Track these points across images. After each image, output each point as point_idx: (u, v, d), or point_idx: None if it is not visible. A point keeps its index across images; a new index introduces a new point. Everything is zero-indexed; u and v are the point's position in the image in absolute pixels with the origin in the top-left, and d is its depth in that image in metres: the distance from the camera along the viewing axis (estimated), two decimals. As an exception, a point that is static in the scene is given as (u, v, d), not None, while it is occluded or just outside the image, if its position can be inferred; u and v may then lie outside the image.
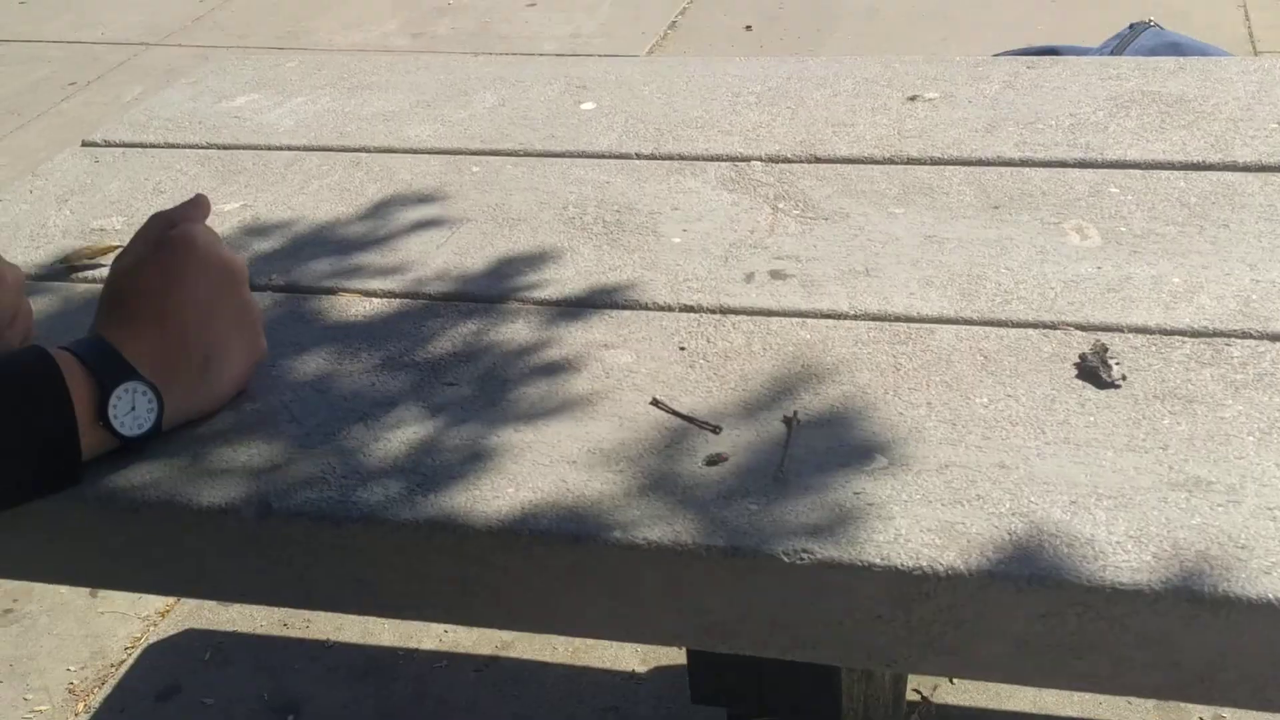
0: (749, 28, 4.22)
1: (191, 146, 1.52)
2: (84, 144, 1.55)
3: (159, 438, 0.92)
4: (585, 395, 1.01)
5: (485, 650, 2.31)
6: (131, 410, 0.85)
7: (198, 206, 0.96)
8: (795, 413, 0.97)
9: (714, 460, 0.91)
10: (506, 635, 2.33)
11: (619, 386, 1.02)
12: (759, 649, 0.87)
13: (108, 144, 1.54)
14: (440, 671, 2.28)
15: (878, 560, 0.82)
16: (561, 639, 2.32)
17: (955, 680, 2.16)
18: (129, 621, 2.41)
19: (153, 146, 1.53)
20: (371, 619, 2.39)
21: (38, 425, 0.80)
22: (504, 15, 4.58)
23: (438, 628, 2.37)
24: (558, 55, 4.12)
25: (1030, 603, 0.82)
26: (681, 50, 4.09)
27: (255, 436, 0.97)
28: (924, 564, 0.82)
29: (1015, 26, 3.99)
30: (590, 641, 2.31)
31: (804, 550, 0.83)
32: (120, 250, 0.94)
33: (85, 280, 1.23)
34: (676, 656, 2.26)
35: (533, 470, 0.92)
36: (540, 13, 4.57)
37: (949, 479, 0.89)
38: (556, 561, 0.85)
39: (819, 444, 0.93)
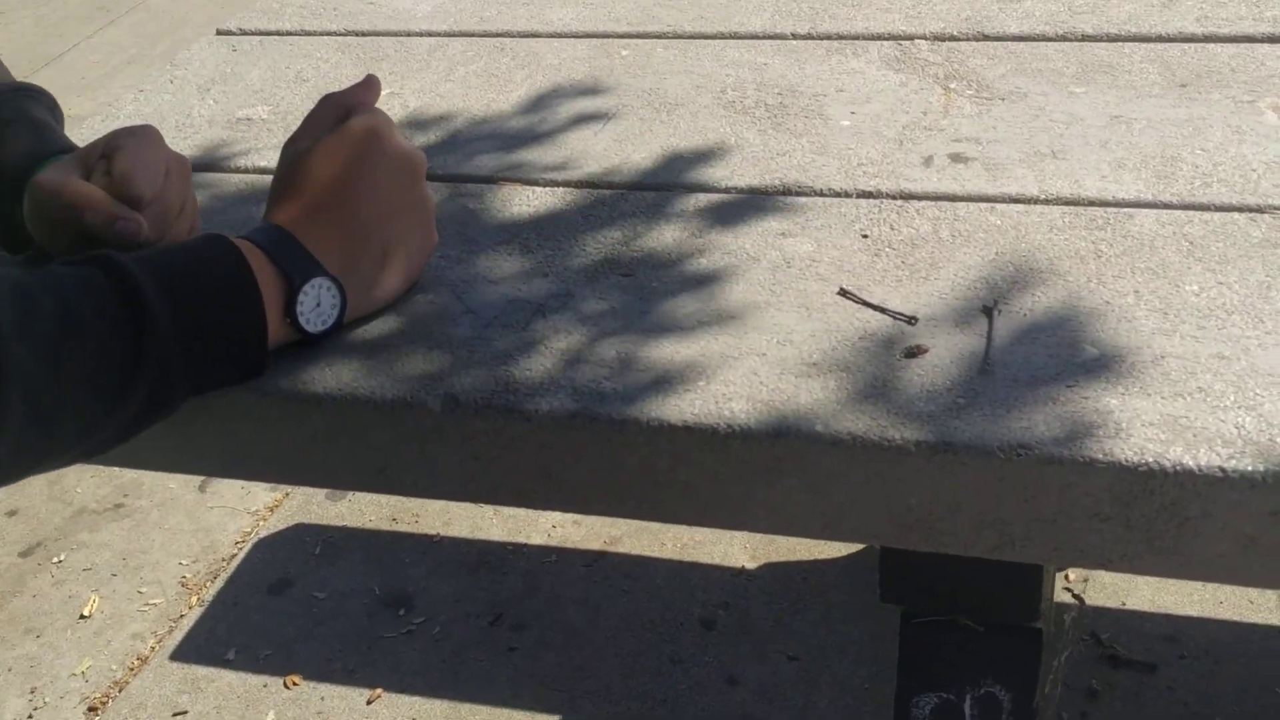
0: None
1: (329, 34, 1.49)
2: (219, 32, 1.52)
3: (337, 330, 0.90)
4: (768, 286, 0.96)
5: (594, 545, 2.31)
6: (317, 306, 0.82)
7: (369, 89, 0.92)
8: (995, 302, 0.92)
9: (913, 352, 0.87)
10: (615, 530, 2.33)
11: (802, 276, 0.97)
12: (964, 548, 0.83)
13: (243, 32, 1.51)
14: (550, 566, 2.28)
15: (1099, 456, 0.78)
16: (670, 535, 2.31)
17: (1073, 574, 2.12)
18: (238, 516, 2.43)
19: (290, 34, 1.49)
20: (480, 513, 2.40)
21: (229, 321, 0.77)
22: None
23: (545, 522, 2.37)
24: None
25: (1261, 499, 0.77)
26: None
27: (433, 328, 0.94)
28: (1149, 460, 0.77)
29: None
30: (698, 538, 2.29)
31: (1020, 447, 0.78)
32: (293, 134, 0.91)
33: (239, 170, 1.21)
34: (785, 554, 2.23)
35: (722, 363, 0.88)
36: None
37: (1166, 370, 0.84)
38: (755, 458, 0.82)
39: (1023, 335, 0.89)
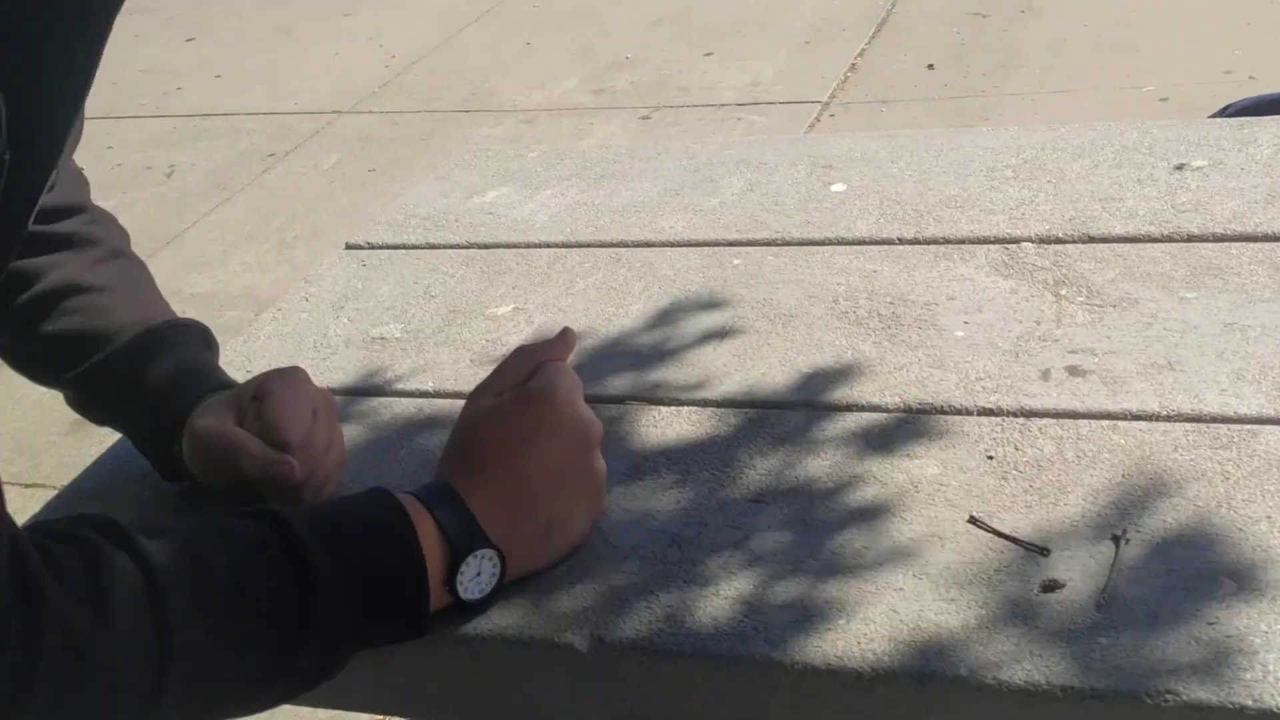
0: (931, 66, 4.16)
1: (453, 246, 1.55)
2: (348, 247, 1.59)
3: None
4: (898, 512, 0.99)
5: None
6: (477, 575, 0.85)
7: (564, 344, 0.96)
8: (1124, 531, 0.93)
9: (1050, 586, 0.88)
10: None
11: (931, 501, 1.00)
12: (1110, 786, 0.84)
13: (371, 246, 1.59)
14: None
15: (1249, 702, 0.78)
16: None
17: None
18: None
19: (415, 247, 1.57)
20: None
21: (395, 591, 0.81)
22: (682, 66, 4.60)
23: None
24: (739, 104, 4.12)
25: None
26: (864, 93, 4.05)
27: (575, 562, 0.97)
28: (1298, 703, 0.78)
29: (1207, 56, 3.85)
30: None
31: (1168, 691, 0.79)
32: (481, 384, 0.95)
33: (379, 393, 1.26)
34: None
35: (860, 598, 0.90)
36: (718, 62, 4.58)
37: (1307, 603, 0.85)
38: (902, 703, 0.84)
39: (1157, 565, 0.90)
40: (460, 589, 0.85)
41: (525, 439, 0.89)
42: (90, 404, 1.05)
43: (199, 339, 1.12)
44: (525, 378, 0.93)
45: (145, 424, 1.02)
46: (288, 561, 0.78)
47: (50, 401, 2.98)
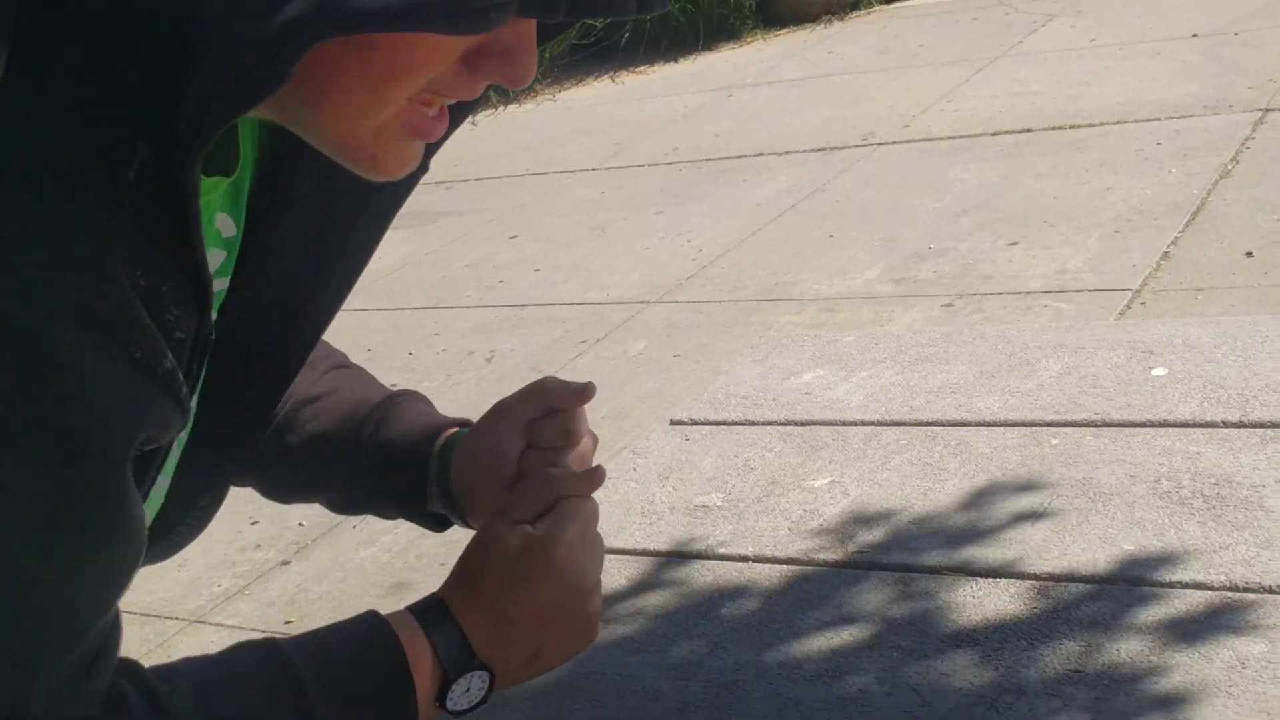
0: (1249, 254, 4.03)
1: (770, 423, 1.63)
2: (672, 423, 1.69)
3: None
4: (1224, 687, 0.98)
5: None
6: (466, 691, 0.85)
7: (592, 481, 0.88)
8: None
9: (1396, 770, 0.86)
10: None
11: (1259, 678, 0.98)
12: None
13: (694, 422, 1.68)
14: None
15: None
16: None
17: None
18: None
19: (735, 424, 1.65)
20: None
21: (383, 711, 0.82)
22: (985, 256, 4.59)
23: None
24: (1044, 291, 4.09)
25: None
26: (1178, 281, 3.95)
27: (888, 719, 1.00)
28: None
29: None
30: None
31: None
32: (503, 506, 0.91)
33: (700, 556, 1.33)
34: None
35: (1186, 770, 0.90)
36: (1023, 251, 4.56)
37: None
38: None
39: None
40: (449, 703, 0.85)
41: (523, 580, 0.88)
42: (346, 494, 1.04)
43: (420, 399, 1.13)
44: (545, 507, 0.88)
45: (403, 472, 1.00)
46: (290, 698, 0.80)
47: (369, 565, 3.18)
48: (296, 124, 0.71)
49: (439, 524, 1.01)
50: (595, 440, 0.92)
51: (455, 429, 0.99)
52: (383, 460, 1.01)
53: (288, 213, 0.83)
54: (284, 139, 0.79)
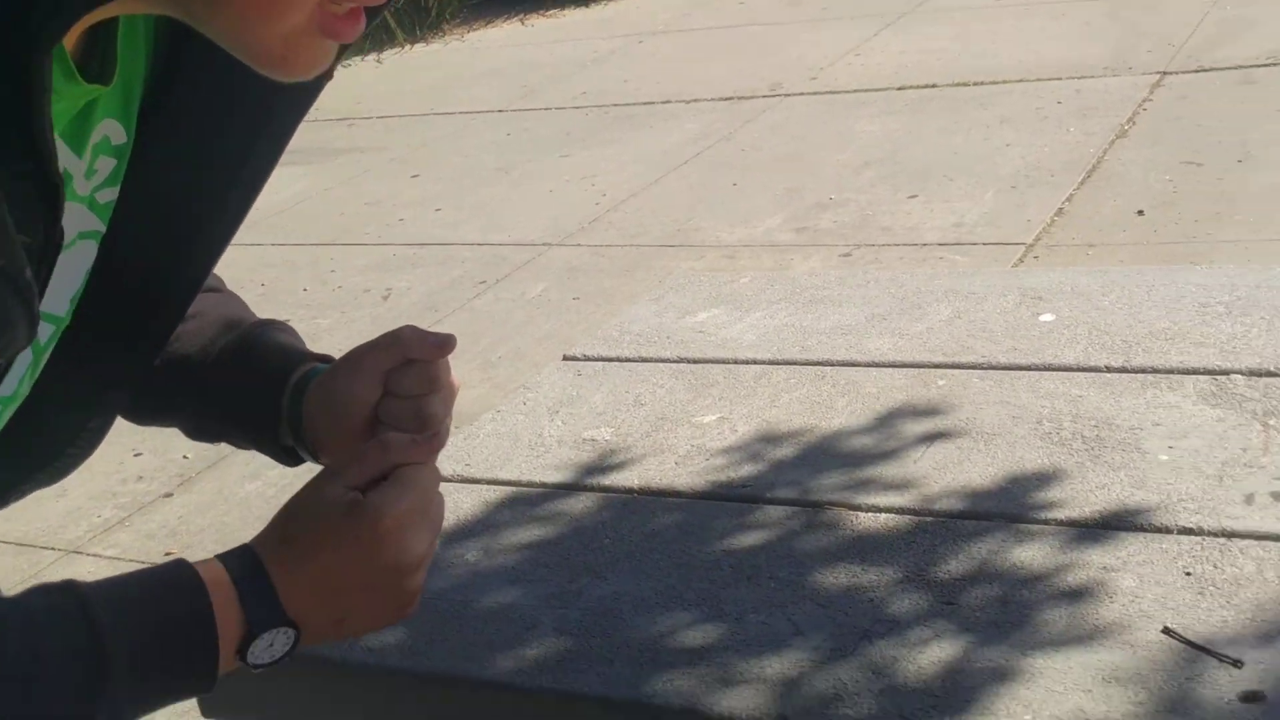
0: (1141, 213, 4.11)
1: (663, 360, 1.62)
2: (565, 358, 1.68)
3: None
4: (1091, 619, 1.00)
5: None
6: (269, 646, 0.83)
7: (431, 447, 0.87)
8: (1328, 649, 0.92)
9: (1250, 697, 0.88)
10: None
11: (1126, 611, 1.00)
12: None
13: (587, 358, 1.67)
14: None
15: None
16: None
17: None
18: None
19: (628, 360, 1.64)
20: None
21: (184, 669, 0.78)
22: (885, 207, 4.64)
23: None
24: (940, 244, 4.14)
25: None
26: (1071, 237, 4.02)
27: (765, 647, 1.01)
28: None
29: None
30: None
31: (1368, 803, 0.78)
32: (336, 466, 0.87)
33: (587, 489, 1.33)
34: None
35: (1048, 697, 0.92)
36: (922, 204, 4.62)
37: None
38: (1091, 797, 0.84)
39: (1361, 685, 0.89)
40: (251, 657, 0.83)
41: (343, 547, 0.85)
42: (199, 420, 1.02)
43: (284, 329, 1.09)
44: (379, 474, 0.85)
45: (259, 400, 0.97)
46: (84, 643, 0.77)
47: (254, 499, 3.13)
48: (199, 22, 0.68)
49: (290, 458, 0.98)
50: (455, 391, 0.91)
51: (312, 365, 0.95)
52: (236, 389, 0.96)
53: (181, 124, 0.80)
54: (180, 46, 0.76)
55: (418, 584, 0.89)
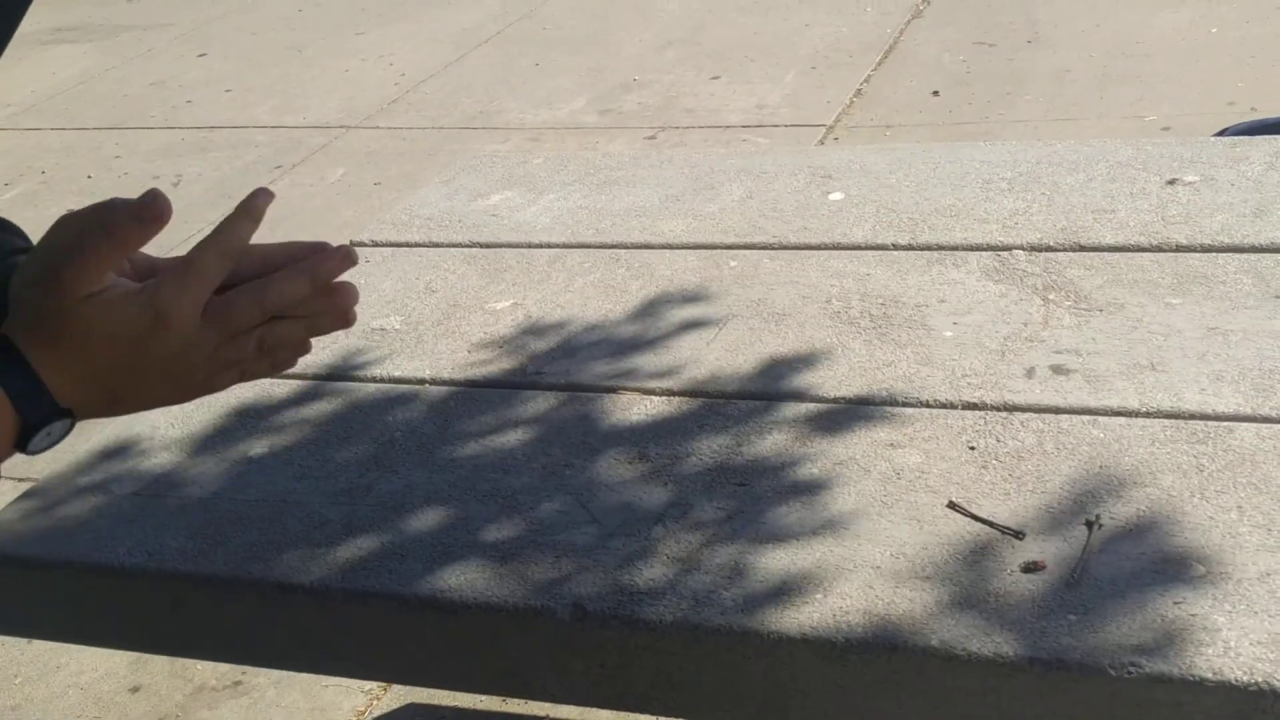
0: (936, 93, 4.20)
1: (455, 245, 1.58)
2: (351, 244, 1.62)
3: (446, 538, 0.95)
4: (879, 497, 1.01)
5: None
6: (47, 435, 0.80)
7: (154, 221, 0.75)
8: (1098, 516, 0.95)
9: (1031, 568, 0.90)
10: None
11: (912, 488, 1.02)
12: (1078, 761, 0.86)
13: (375, 244, 1.61)
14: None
15: (1209, 675, 0.80)
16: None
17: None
18: (353, 694, 2.47)
19: (418, 245, 1.59)
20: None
21: None
22: (689, 89, 4.64)
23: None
24: (743, 126, 4.16)
25: (1374, 721, 0.79)
26: (869, 118, 4.08)
27: (559, 536, 1.00)
28: (1259, 679, 0.80)
29: (1211, 88, 3.88)
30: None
31: (1131, 664, 0.81)
32: (72, 217, 0.76)
33: (375, 380, 1.29)
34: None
35: (837, 575, 0.93)
36: (725, 85, 4.62)
37: (1272, 588, 0.87)
38: (872, 672, 0.86)
39: (1129, 550, 0.92)
40: (31, 448, 0.80)
41: (119, 342, 0.79)
42: None
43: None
44: (143, 274, 0.79)
45: None
46: None
47: None
48: None
49: None
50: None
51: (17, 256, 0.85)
52: None
53: None
54: None
55: (218, 383, 0.81)
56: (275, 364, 0.80)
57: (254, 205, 0.77)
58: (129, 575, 1.06)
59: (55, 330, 0.76)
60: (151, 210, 0.73)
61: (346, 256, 0.78)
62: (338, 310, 0.80)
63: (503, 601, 0.94)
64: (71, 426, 0.79)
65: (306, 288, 0.77)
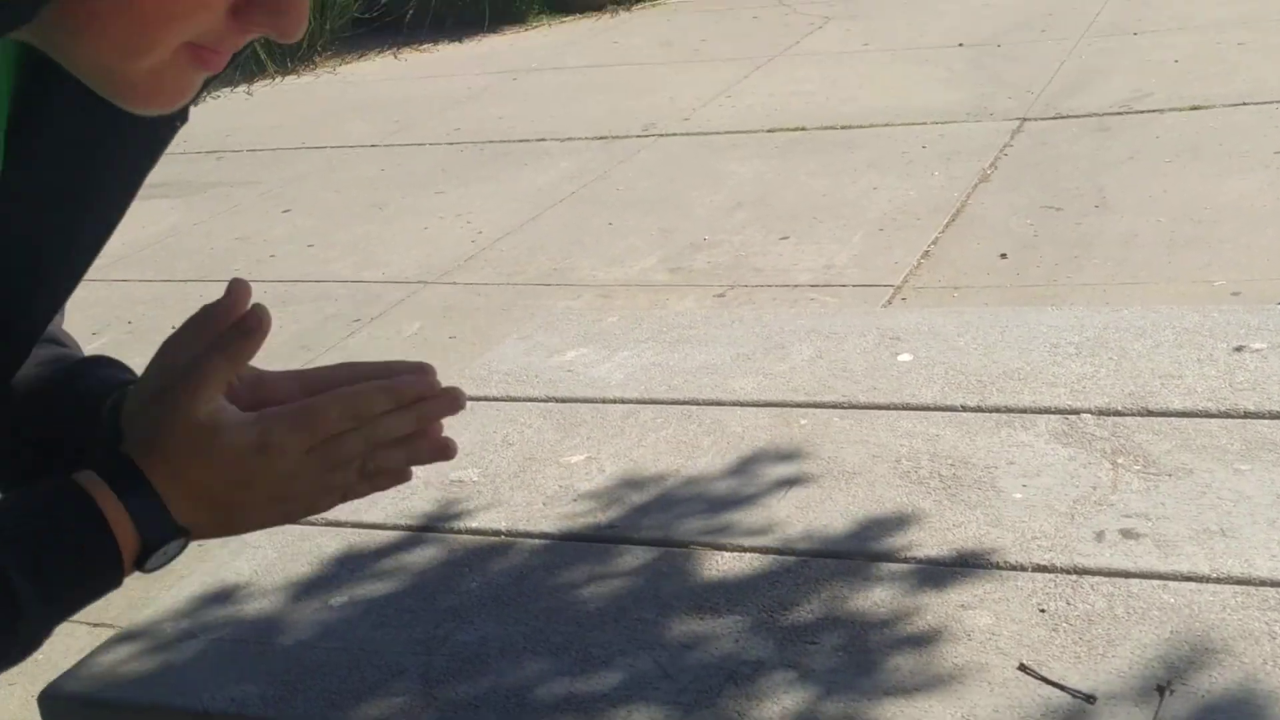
0: (1004, 256, 4.24)
1: (532, 399, 1.62)
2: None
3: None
4: (949, 658, 1.02)
5: None
6: (164, 554, 0.83)
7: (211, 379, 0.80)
8: (1169, 682, 0.96)
9: (1097, 732, 0.91)
10: None
11: (983, 649, 1.03)
12: None
13: (454, 397, 1.66)
14: None
15: (1287, 846, 0.80)
16: None
17: None
18: None
19: (495, 399, 1.64)
20: None
21: (91, 593, 0.79)
22: (758, 249, 4.71)
23: None
24: (811, 285, 4.21)
25: None
26: (937, 279, 4.12)
27: (632, 691, 1.01)
28: None
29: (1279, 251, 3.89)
30: None
31: (1207, 832, 0.81)
32: (166, 346, 0.82)
33: (453, 531, 1.32)
34: None
35: (908, 735, 0.93)
36: (793, 245, 4.69)
37: (1348, 759, 0.86)
38: (946, 832, 0.86)
39: (1199, 716, 0.92)
40: (148, 566, 0.82)
41: (223, 465, 0.80)
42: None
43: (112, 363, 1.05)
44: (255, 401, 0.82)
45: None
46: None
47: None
48: (60, 53, 0.67)
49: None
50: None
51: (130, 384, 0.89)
52: (53, 411, 0.91)
53: (36, 154, 0.78)
54: (40, 75, 0.75)
55: (321, 505, 0.83)
56: (375, 487, 0.85)
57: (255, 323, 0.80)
58: (214, 718, 1.09)
59: (172, 449, 0.80)
60: (251, 320, 0.79)
61: (452, 399, 0.83)
62: (436, 441, 0.85)
63: (576, 754, 0.95)
64: (185, 545, 0.82)
65: (388, 403, 0.81)
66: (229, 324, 0.80)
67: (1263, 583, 1.07)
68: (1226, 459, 1.28)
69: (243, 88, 7.96)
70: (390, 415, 0.82)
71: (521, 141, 6.31)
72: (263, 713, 1.08)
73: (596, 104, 6.75)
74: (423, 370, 0.84)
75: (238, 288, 0.82)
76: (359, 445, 0.82)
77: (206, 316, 0.81)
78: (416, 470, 1.41)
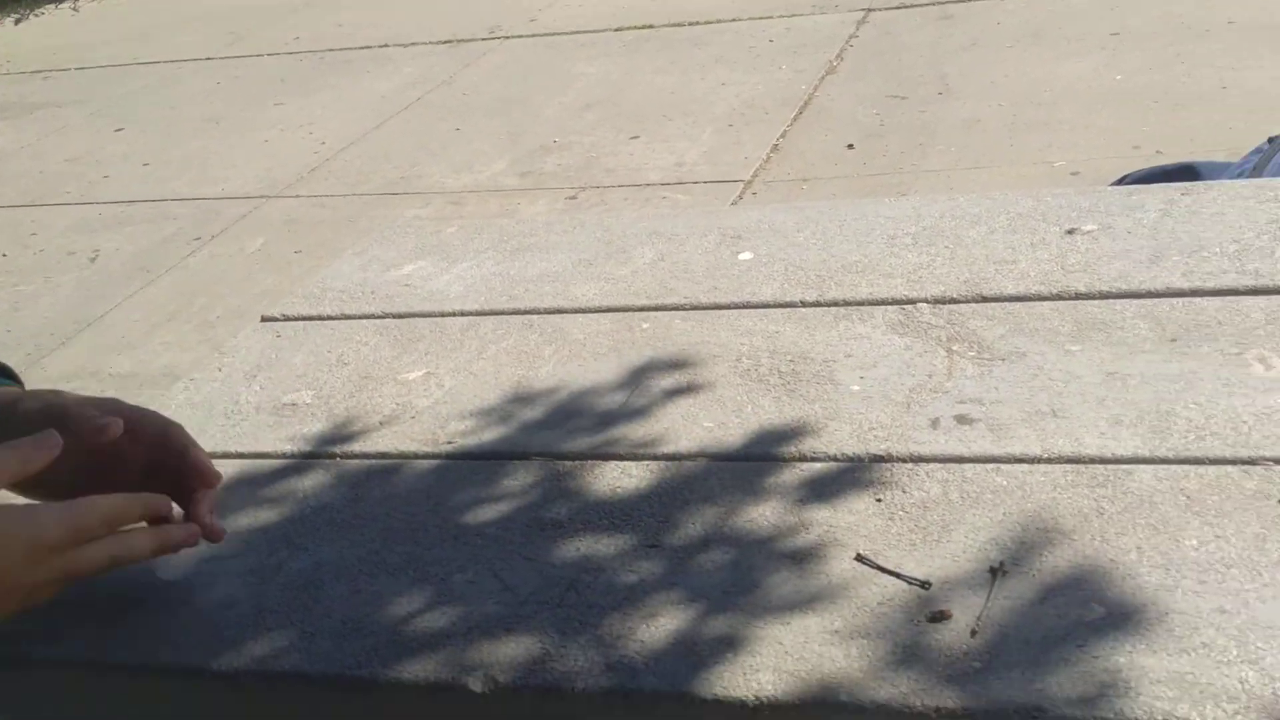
0: (851, 146, 4.27)
1: (367, 316, 1.58)
2: (264, 319, 1.62)
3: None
4: (787, 552, 1.02)
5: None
6: None
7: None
8: (1001, 563, 0.97)
9: (937, 617, 0.91)
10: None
11: (820, 542, 1.03)
12: (990, 809, 0.86)
13: (286, 318, 1.61)
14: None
15: (1110, 717, 0.82)
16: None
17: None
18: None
19: (330, 318, 1.59)
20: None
21: None
22: (608, 149, 4.68)
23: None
24: (663, 184, 4.20)
25: (1272, 755, 0.80)
26: (786, 172, 4.14)
27: (471, 607, 1.00)
28: (1159, 718, 0.81)
29: (1117, 133, 3.99)
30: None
31: (1035, 710, 0.82)
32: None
33: (283, 456, 1.28)
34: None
35: (748, 633, 0.93)
36: (644, 144, 4.67)
37: (1170, 626, 0.89)
38: (784, 728, 0.86)
39: (1032, 594, 0.93)
40: None
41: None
42: None
43: None
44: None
45: None
46: None
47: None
48: None
49: None
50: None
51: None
52: None
53: None
54: None
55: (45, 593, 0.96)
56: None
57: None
58: (31, 664, 1.05)
59: None
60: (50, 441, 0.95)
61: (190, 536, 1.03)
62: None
63: (413, 676, 0.93)
64: None
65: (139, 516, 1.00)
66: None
67: (1091, 460, 1.09)
68: (1058, 340, 1.29)
69: (68, 3, 7.60)
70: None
71: (364, 48, 6.14)
72: (84, 654, 1.03)
73: (441, 7, 6.59)
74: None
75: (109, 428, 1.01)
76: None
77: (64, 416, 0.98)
78: (248, 397, 1.37)
